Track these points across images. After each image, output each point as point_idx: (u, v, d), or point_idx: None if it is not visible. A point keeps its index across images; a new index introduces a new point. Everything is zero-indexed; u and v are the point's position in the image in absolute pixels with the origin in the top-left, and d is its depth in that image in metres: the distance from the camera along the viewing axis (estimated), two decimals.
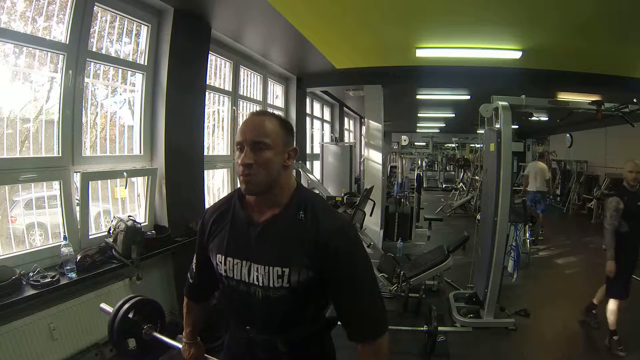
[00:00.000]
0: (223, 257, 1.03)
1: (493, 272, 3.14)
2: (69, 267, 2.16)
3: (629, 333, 3.09)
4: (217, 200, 1.21)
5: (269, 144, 0.95)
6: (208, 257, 1.10)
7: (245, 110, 4.53)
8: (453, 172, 13.10)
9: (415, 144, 14.51)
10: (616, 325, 2.80)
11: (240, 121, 4.33)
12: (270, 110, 5.03)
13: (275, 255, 0.97)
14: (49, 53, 2.29)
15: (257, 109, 4.77)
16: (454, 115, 9.82)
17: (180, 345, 1.29)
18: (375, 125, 5.37)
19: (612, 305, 2.83)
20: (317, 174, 6.54)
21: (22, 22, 2.16)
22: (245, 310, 1.04)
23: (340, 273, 0.97)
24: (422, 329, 2.85)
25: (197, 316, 1.27)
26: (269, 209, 1.01)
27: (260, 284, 0.98)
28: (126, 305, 1.37)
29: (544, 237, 6.18)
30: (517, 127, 10.87)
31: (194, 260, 1.19)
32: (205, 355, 1.28)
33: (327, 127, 8.16)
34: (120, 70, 2.81)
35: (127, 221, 2.49)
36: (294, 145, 1.04)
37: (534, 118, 7.35)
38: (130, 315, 1.38)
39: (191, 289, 1.22)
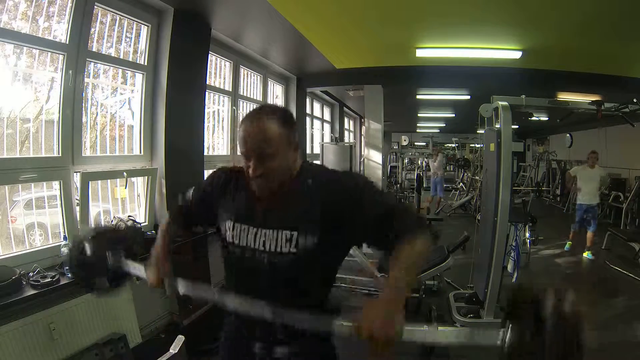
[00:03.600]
0: (232, 222, 1.04)
1: (493, 272, 3.14)
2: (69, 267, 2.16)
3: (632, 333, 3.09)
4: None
5: (274, 152, 0.94)
6: (205, 203, 1.13)
7: (246, 110, 4.53)
8: (453, 172, 13.09)
9: (415, 144, 14.52)
10: None
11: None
12: None
13: (283, 219, 0.98)
14: (49, 53, 2.29)
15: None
16: (454, 115, 9.82)
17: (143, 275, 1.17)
18: (375, 125, 5.37)
19: None
20: None
21: (23, 22, 2.16)
22: (248, 282, 1.02)
23: (356, 203, 0.97)
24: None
25: (170, 241, 1.25)
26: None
27: (267, 249, 0.98)
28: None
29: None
30: (517, 127, 10.87)
31: (191, 193, 1.20)
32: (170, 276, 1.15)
33: (327, 127, 8.16)
34: (120, 70, 2.81)
35: (127, 221, 2.47)
36: (296, 137, 1.01)
37: (534, 118, 7.34)
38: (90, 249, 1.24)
39: (178, 210, 1.23)
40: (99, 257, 1.23)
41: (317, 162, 6.37)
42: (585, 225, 5.32)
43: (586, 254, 5.20)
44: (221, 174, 1.13)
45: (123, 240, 1.35)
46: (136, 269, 1.21)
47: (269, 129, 0.94)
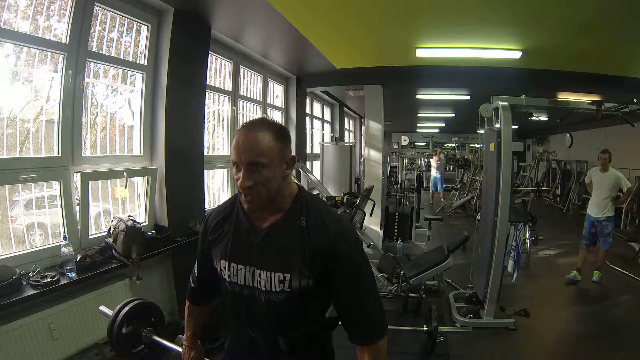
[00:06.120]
0: (227, 262, 1.04)
1: (493, 272, 3.14)
2: (69, 267, 2.16)
3: (632, 333, 3.09)
4: (217, 200, 1.21)
5: (265, 163, 0.92)
6: (209, 260, 1.11)
7: (245, 110, 4.53)
8: (453, 172, 13.10)
9: (415, 144, 14.53)
10: None
11: (241, 122, 4.35)
12: (269, 111, 5.06)
13: (276, 261, 0.98)
14: (49, 53, 2.29)
15: (257, 109, 4.78)
16: (454, 115, 9.82)
17: (179, 349, 1.28)
18: (375, 125, 5.37)
19: None
20: (317, 174, 6.54)
21: (23, 22, 2.16)
22: (248, 313, 1.05)
23: (341, 275, 0.99)
24: (422, 329, 2.85)
25: (198, 319, 1.27)
26: (270, 215, 1.02)
27: (263, 289, 1.00)
28: (125, 309, 1.35)
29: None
30: (517, 127, 10.86)
31: (196, 264, 1.20)
32: (205, 358, 1.28)
33: (327, 127, 8.16)
34: (120, 70, 2.81)
35: (127, 221, 2.49)
36: (292, 153, 1.01)
37: (534, 118, 7.32)
38: (125, 327, 1.35)
39: (193, 292, 1.23)
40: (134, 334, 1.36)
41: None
42: (595, 241, 4.30)
43: (595, 274, 4.27)
44: (210, 220, 1.12)
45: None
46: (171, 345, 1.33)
47: (262, 138, 0.93)
